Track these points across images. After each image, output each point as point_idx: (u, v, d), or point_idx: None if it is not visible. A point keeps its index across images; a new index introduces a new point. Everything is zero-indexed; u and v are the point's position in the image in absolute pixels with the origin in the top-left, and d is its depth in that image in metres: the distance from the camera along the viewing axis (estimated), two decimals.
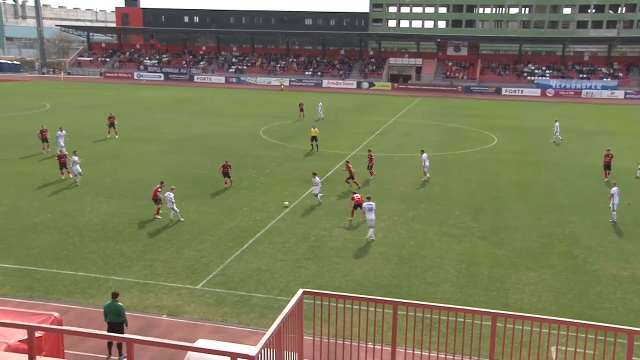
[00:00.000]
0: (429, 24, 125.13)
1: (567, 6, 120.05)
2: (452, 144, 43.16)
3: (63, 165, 29.74)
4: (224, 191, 28.33)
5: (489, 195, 28.70)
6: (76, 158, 29.34)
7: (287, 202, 26.10)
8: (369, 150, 32.67)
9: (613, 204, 24.39)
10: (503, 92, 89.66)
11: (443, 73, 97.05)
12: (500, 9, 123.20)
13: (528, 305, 16.57)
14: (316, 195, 26.54)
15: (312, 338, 9.78)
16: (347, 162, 30.37)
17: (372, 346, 10.05)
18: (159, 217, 23.83)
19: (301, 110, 55.17)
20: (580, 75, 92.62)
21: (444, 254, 20.60)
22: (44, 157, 35.16)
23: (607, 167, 32.26)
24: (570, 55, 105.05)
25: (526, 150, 41.54)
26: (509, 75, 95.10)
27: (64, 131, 37.44)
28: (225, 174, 28.75)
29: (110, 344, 13.71)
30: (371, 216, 21.58)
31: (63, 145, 35.90)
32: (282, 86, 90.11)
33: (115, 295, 13.49)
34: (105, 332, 12.74)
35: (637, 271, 19.35)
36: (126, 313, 13.52)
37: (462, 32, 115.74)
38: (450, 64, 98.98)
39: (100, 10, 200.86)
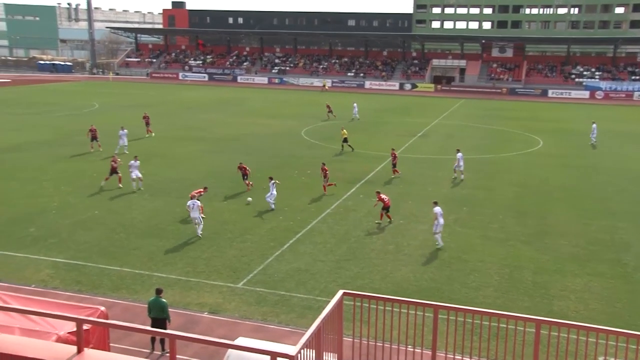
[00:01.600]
0: (473, 25, 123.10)
1: (619, 5, 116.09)
2: (496, 147, 42.37)
3: (114, 171, 28.41)
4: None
5: (534, 199, 28.05)
6: (136, 162, 28.37)
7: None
8: (392, 149, 33.21)
9: None
10: (549, 95, 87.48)
11: (487, 75, 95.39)
12: (548, 9, 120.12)
13: (574, 313, 16.13)
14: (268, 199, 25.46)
15: (351, 339, 9.78)
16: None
17: (412, 349, 9.96)
18: (204, 215, 24.14)
19: (330, 111, 55.32)
20: (633, 77, 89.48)
21: (486, 258, 20.24)
22: (93, 155, 36.20)
23: None
24: (622, 56, 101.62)
25: (573, 154, 40.42)
26: (555, 77, 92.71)
27: (125, 130, 37.17)
28: (244, 176, 28.53)
29: (153, 339, 14.02)
30: (442, 221, 21.21)
31: (127, 143, 36.70)
32: (326, 87, 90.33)
33: (159, 292, 13.78)
34: (149, 327, 13.05)
35: None
36: (169, 309, 13.81)
37: (508, 33, 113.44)
38: (494, 65, 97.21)
39: (148, 12, 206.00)
